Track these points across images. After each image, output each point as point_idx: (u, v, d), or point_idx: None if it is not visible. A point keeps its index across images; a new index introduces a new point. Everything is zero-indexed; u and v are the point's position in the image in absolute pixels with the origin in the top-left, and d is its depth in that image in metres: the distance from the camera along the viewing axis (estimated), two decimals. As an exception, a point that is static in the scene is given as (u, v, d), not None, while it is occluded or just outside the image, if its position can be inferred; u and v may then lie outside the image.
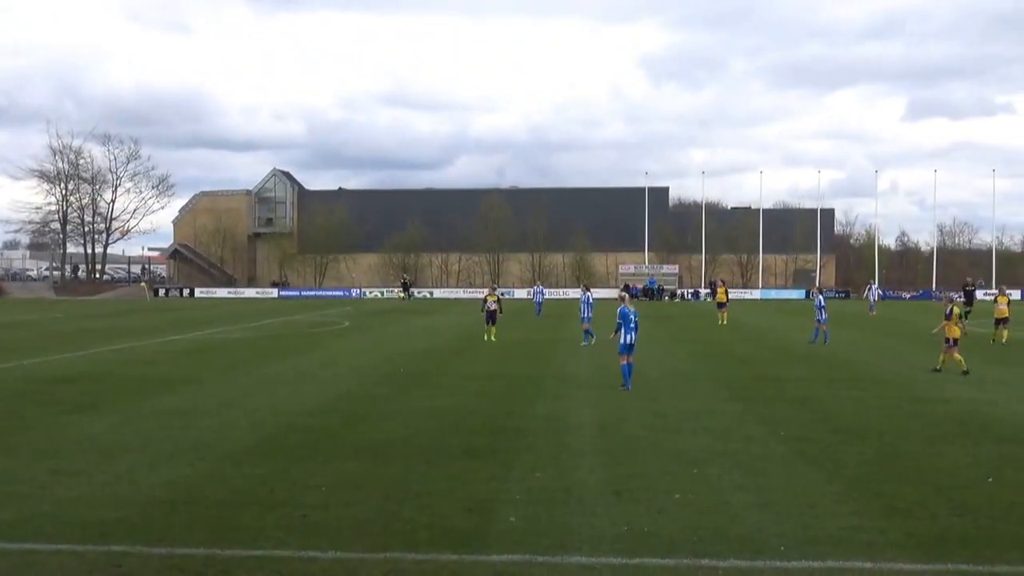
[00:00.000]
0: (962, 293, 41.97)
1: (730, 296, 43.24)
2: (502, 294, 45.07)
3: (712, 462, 11.10)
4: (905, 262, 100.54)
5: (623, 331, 17.36)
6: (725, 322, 38.31)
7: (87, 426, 13.63)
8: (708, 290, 70.37)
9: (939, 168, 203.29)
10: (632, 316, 17.52)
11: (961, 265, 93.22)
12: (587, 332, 27.48)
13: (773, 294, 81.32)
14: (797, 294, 77.50)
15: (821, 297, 29.78)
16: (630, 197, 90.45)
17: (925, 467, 10.93)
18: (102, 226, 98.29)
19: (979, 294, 76.55)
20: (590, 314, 27.98)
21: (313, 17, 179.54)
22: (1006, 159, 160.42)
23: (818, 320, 28.83)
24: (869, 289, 52.67)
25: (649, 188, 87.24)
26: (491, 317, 29.54)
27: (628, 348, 17.42)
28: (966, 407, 15.60)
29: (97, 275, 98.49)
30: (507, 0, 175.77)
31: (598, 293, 79.49)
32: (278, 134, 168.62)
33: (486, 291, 32.87)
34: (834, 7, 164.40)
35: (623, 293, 19.89)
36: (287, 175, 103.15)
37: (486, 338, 28.92)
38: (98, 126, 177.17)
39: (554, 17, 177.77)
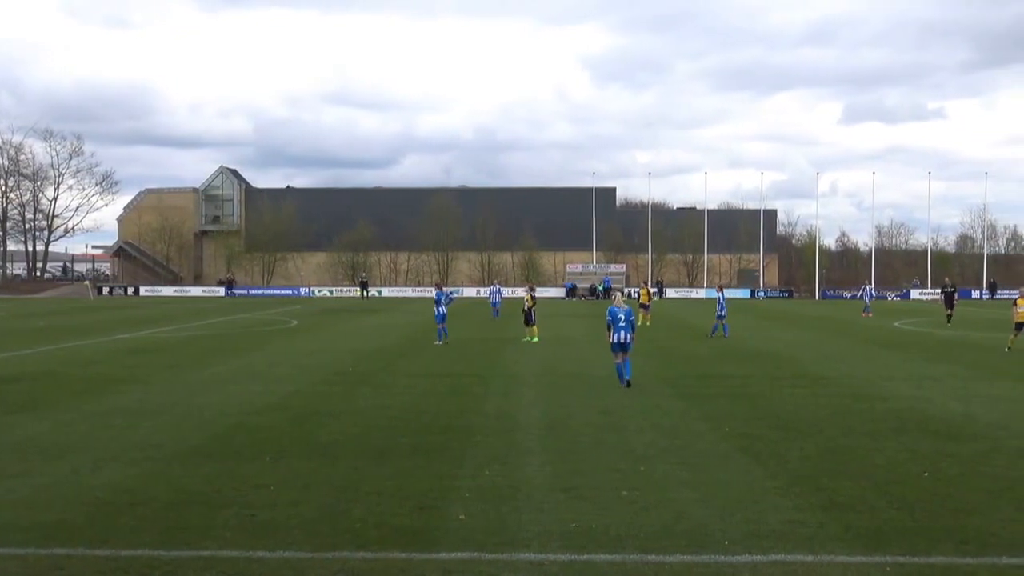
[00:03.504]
0: (941, 295, 40.35)
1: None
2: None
3: (658, 459, 11.25)
4: (845, 262, 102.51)
5: (613, 330, 17.52)
6: (647, 323, 36.49)
7: (28, 426, 13.38)
8: (655, 289, 71.04)
9: (876, 171, 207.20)
10: (622, 315, 17.56)
11: (898, 265, 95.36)
12: (440, 331, 27.76)
13: (718, 293, 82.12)
14: (742, 293, 78.44)
15: (722, 295, 31.90)
16: (578, 197, 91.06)
17: (865, 462, 11.19)
18: (44, 223, 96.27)
19: (915, 293, 79.13)
20: (443, 310, 28.09)
21: (258, 14, 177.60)
22: (939, 163, 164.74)
23: (718, 316, 30.97)
24: (864, 290, 50.73)
25: (597, 188, 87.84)
26: (529, 317, 28.92)
27: (619, 347, 17.56)
28: (904, 404, 15.99)
29: (39, 273, 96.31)
30: (452, 0, 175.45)
31: (544, 292, 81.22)
32: (224, 131, 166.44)
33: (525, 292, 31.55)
34: (774, 13, 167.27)
35: (616, 293, 19.86)
36: (234, 172, 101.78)
37: (527, 339, 28.23)
38: (39, 122, 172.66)
39: (499, 18, 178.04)
